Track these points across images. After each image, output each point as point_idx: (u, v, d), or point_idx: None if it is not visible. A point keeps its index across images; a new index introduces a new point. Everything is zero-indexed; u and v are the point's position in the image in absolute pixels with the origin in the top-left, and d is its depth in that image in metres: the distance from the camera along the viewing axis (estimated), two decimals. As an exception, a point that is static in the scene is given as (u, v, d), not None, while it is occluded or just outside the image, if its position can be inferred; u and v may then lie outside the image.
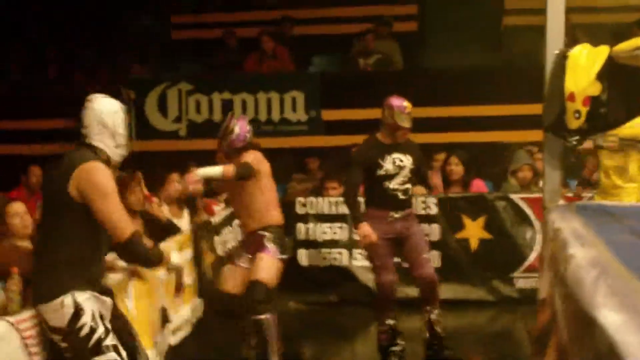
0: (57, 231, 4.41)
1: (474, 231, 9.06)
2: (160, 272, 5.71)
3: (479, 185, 9.48)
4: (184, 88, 11.84)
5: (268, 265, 6.14)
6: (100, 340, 4.31)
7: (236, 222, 7.72)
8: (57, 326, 4.29)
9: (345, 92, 11.59)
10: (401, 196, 7.04)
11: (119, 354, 4.38)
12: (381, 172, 6.94)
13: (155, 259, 4.60)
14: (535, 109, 10.02)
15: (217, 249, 7.64)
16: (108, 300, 4.46)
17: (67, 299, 4.28)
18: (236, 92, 11.74)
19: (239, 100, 11.73)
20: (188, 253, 6.47)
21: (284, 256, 6.37)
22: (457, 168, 9.16)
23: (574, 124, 5.80)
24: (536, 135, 10.52)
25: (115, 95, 11.07)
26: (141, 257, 4.51)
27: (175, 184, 7.84)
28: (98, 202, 4.34)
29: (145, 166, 8.58)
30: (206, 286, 6.87)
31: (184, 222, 7.97)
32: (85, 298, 4.32)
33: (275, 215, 6.38)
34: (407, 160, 7.05)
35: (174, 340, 5.91)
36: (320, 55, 12.61)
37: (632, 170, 6.82)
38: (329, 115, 11.58)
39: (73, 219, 4.38)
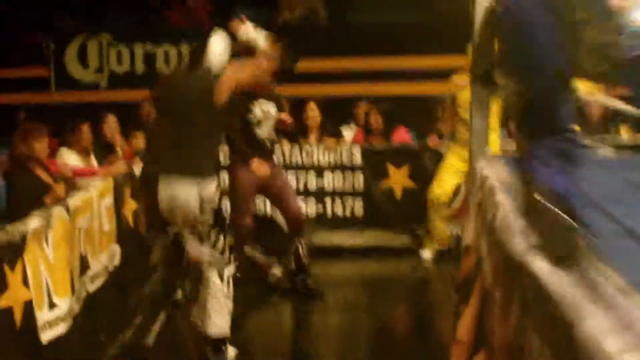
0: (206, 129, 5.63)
1: (398, 180, 9.08)
2: (81, 219, 5.58)
3: (402, 134, 9.50)
4: (104, 39, 11.66)
5: None
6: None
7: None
8: (207, 197, 5.59)
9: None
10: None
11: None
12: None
13: None
14: (461, 60, 10.08)
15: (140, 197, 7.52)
16: None
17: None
18: (158, 43, 11.62)
19: (162, 52, 11.60)
20: (108, 200, 6.31)
21: None
22: (376, 118, 9.23)
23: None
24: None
25: (33, 44, 11.06)
26: None
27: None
28: None
29: (65, 117, 8.56)
30: (125, 233, 6.74)
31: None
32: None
33: None
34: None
35: (92, 287, 5.77)
36: (246, 8, 12.37)
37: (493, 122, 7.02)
38: None
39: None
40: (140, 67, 11.55)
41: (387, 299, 7.56)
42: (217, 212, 5.89)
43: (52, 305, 4.87)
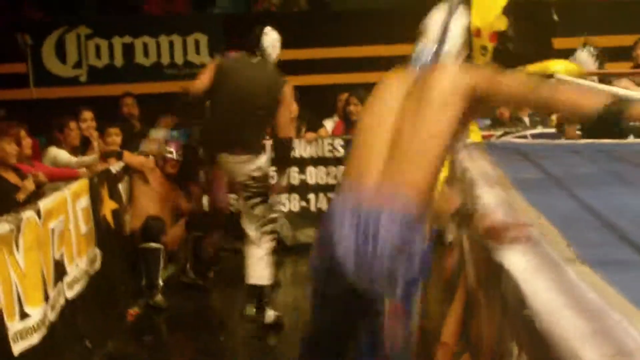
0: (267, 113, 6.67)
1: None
2: (54, 222, 5.42)
3: None
4: (82, 32, 11.46)
5: None
6: None
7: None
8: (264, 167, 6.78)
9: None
10: None
11: None
12: None
13: None
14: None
15: (122, 196, 7.38)
16: None
17: None
18: (137, 35, 11.41)
19: (140, 44, 11.40)
20: (84, 201, 6.15)
21: None
22: (356, 108, 9.05)
23: (480, 60, 5.62)
24: None
25: (10, 40, 10.89)
26: None
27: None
28: None
29: (44, 114, 8.55)
30: (105, 235, 6.60)
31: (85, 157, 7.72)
32: None
33: None
34: None
35: (70, 294, 5.62)
36: (222, -1, 12.28)
37: None
38: None
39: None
40: (119, 60, 11.35)
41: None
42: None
43: (23, 315, 4.72)
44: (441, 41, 3.76)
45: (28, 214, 5.01)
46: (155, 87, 11.01)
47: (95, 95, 10.69)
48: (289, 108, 6.98)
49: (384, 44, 11.08)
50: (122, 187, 7.44)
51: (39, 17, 11.95)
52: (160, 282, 7.22)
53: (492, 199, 3.82)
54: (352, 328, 3.40)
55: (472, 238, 3.93)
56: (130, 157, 7.65)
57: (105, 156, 7.57)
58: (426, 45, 3.78)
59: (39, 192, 6.27)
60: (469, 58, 5.48)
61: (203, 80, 6.68)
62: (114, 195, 7.11)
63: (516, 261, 2.80)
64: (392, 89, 3.58)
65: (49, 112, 8.80)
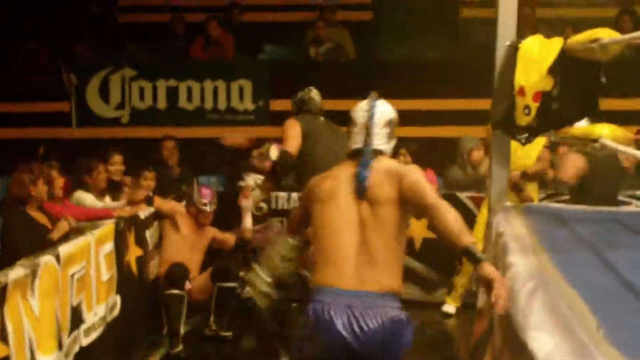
0: None
1: (417, 231, 8.69)
2: (75, 267, 5.28)
3: (431, 176, 9.11)
4: (127, 74, 11.35)
5: None
6: None
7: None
8: None
9: (294, 82, 11.14)
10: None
11: None
12: None
13: None
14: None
15: (148, 242, 7.24)
16: None
17: None
18: (182, 79, 11.29)
19: (185, 88, 11.27)
20: (108, 247, 6.00)
21: None
22: (405, 159, 8.87)
23: (523, 120, 5.43)
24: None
25: (56, 78, 10.87)
26: None
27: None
28: None
29: (86, 155, 8.26)
30: (127, 282, 6.44)
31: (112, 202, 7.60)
32: None
33: None
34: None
35: (86, 341, 5.45)
36: (272, 44, 12.23)
37: None
38: (277, 105, 11.06)
39: None
40: (162, 103, 11.28)
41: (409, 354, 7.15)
42: None
43: (34, 362, 4.56)
44: (368, 141, 4.18)
45: (46, 259, 4.88)
46: (197, 132, 10.94)
47: (135, 137, 10.63)
48: None
49: (435, 97, 11.12)
50: (149, 233, 7.29)
51: (86, 57, 11.91)
52: (182, 331, 7.02)
53: (524, 268, 3.60)
54: None
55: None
56: (161, 203, 7.51)
57: (131, 203, 7.39)
58: (355, 141, 4.23)
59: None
60: (510, 117, 5.29)
61: (297, 142, 6.53)
62: (140, 241, 6.96)
63: (542, 344, 2.59)
64: (342, 187, 4.07)
65: (88, 151, 8.58)
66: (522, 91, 5.41)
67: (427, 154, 9.36)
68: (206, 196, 7.56)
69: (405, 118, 10.93)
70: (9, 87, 11.07)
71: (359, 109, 4.31)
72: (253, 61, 11.79)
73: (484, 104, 10.75)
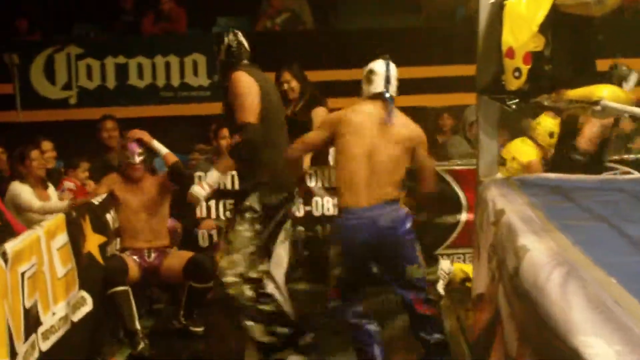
0: None
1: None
2: (25, 265, 4.73)
3: None
4: (73, 51, 10.84)
5: None
6: None
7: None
8: None
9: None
10: None
11: None
12: None
13: None
14: (458, 70, 9.33)
15: (110, 226, 6.66)
16: None
17: None
18: (131, 55, 10.81)
19: (135, 65, 10.79)
20: (61, 239, 5.44)
21: None
22: None
23: (513, 84, 5.00)
24: (461, 98, 9.99)
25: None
26: None
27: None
28: None
29: (32, 139, 7.76)
30: (90, 274, 5.90)
31: (52, 202, 7.02)
32: None
33: None
34: None
35: (45, 345, 4.92)
36: (226, 16, 11.65)
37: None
38: None
39: None
40: (111, 81, 10.75)
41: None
42: None
43: (-18, 377, 4.04)
44: (387, 87, 5.36)
45: (-9, 258, 4.32)
46: (149, 111, 10.44)
47: (85, 119, 9.98)
48: None
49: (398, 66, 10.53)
50: (111, 216, 6.74)
51: (29, 35, 11.32)
52: (138, 327, 6.40)
53: (543, 253, 3.12)
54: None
55: (516, 293, 3.23)
56: (97, 189, 6.97)
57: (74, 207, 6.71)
58: (378, 86, 5.37)
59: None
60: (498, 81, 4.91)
61: (257, 106, 5.67)
62: (101, 227, 6.40)
63: (600, 353, 2.13)
64: (366, 121, 5.30)
65: (35, 136, 8.04)
66: (510, 52, 4.99)
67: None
68: (132, 151, 6.90)
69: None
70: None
71: (379, 62, 5.44)
72: (207, 35, 11.23)
73: (448, 70, 10.57)
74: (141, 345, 6.28)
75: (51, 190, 7.16)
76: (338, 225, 5.43)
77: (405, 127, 5.34)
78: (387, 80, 5.35)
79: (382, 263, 5.34)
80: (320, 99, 7.60)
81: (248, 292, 5.71)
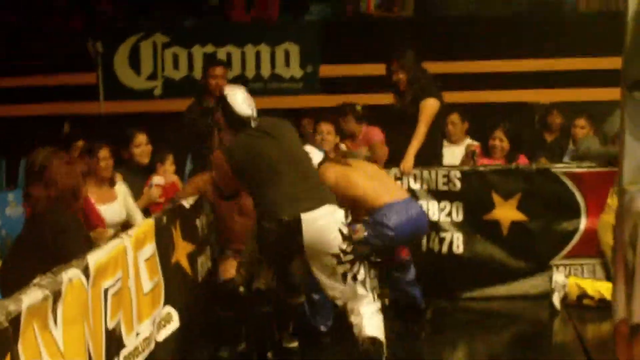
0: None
1: (505, 213, 7.51)
2: (107, 282, 4.16)
3: (523, 160, 7.98)
4: (159, 40, 10.66)
5: None
6: None
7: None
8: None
9: (347, 43, 10.45)
10: None
11: None
12: None
13: None
14: (570, 63, 8.66)
15: (198, 234, 6.13)
16: None
17: None
18: (220, 44, 10.60)
19: (224, 54, 10.52)
20: (149, 249, 4.85)
21: None
22: (501, 144, 7.95)
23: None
24: (578, 94, 9.34)
25: (80, 47, 10.00)
26: None
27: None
28: None
29: (115, 131, 7.61)
30: (177, 287, 5.34)
31: (114, 206, 6.45)
32: None
33: None
34: None
35: (127, 368, 4.38)
36: (319, 2, 11.25)
37: None
38: (328, 71, 10.43)
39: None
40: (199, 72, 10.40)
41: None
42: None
43: (60, 411, 3.48)
44: None
45: (71, 274, 3.75)
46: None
47: (170, 111, 9.67)
48: None
49: (504, 58, 10.23)
50: (200, 222, 6.25)
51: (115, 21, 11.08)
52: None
53: None
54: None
55: None
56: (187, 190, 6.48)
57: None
58: None
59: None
60: None
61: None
62: (190, 234, 5.89)
63: None
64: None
65: (117, 128, 7.81)
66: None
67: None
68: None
69: (468, 82, 10.06)
70: (25, 58, 10.50)
71: None
72: (300, 22, 11.02)
73: (561, 64, 9.91)
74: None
75: (119, 188, 6.57)
76: (382, 219, 6.26)
77: None
78: None
79: None
80: (431, 90, 7.24)
81: None
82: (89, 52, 10.35)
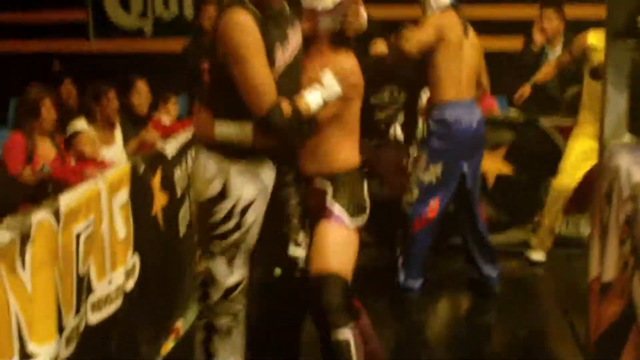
0: None
1: (490, 165, 7.46)
2: (79, 225, 4.11)
3: (487, 103, 7.76)
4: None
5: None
6: None
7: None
8: None
9: None
10: None
11: None
12: None
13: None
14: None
15: (176, 187, 5.82)
16: None
17: None
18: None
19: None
20: (123, 195, 4.76)
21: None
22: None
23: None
24: None
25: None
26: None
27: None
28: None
29: (104, 70, 7.60)
30: (148, 239, 5.13)
31: (114, 149, 6.40)
32: None
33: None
34: None
35: (95, 318, 4.32)
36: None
37: None
38: None
39: None
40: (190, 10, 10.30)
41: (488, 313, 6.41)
42: None
43: (25, 357, 3.46)
44: None
45: (41, 216, 3.71)
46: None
47: (160, 51, 9.68)
48: None
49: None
50: (178, 174, 5.84)
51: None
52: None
53: None
54: None
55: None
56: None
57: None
58: None
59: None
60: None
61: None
62: (167, 185, 5.58)
63: None
64: (458, 30, 6.20)
65: (108, 67, 8.04)
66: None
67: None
68: None
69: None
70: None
71: None
72: None
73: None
74: None
75: (117, 132, 6.55)
76: (443, 117, 6.30)
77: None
78: None
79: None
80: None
81: None
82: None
